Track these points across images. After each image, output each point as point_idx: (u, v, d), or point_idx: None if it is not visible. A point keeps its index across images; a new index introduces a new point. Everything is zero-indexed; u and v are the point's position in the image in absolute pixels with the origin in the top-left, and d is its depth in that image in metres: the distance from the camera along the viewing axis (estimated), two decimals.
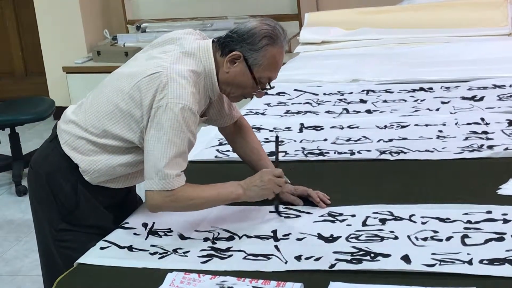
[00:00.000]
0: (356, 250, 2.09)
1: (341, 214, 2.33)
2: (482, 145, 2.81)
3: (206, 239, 2.24)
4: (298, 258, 2.08)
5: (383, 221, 2.27)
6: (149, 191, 2.20)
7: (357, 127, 3.14)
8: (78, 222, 2.38)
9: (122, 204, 2.48)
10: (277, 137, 2.42)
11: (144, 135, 2.24)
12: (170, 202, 2.21)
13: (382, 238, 2.16)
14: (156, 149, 2.19)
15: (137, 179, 2.42)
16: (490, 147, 2.79)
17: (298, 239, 2.20)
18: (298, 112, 3.41)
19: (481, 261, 1.98)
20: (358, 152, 2.85)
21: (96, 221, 2.39)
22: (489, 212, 2.27)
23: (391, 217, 2.29)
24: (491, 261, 1.98)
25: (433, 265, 1.98)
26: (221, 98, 2.45)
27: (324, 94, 3.65)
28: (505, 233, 2.13)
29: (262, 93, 2.35)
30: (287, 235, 2.23)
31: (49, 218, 2.41)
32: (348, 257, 2.06)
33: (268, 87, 2.34)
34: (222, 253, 2.15)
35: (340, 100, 3.54)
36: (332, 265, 2.03)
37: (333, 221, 2.30)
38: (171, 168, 2.18)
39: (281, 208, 2.39)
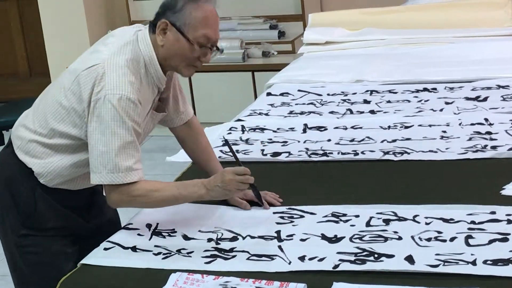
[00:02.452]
0: (360, 251, 2.09)
1: (344, 215, 2.33)
2: (485, 146, 2.81)
3: (209, 240, 2.24)
4: (302, 258, 2.08)
5: (386, 221, 2.26)
6: (107, 186, 2.18)
7: (360, 128, 3.14)
8: (39, 226, 2.34)
9: (89, 205, 2.45)
10: (226, 140, 2.43)
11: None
12: (127, 198, 2.19)
13: (386, 239, 2.16)
14: (101, 142, 2.16)
15: None
16: (493, 147, 2.79)
17: (302, 240, 2.20)
18: (301, 113, 3.41)
19: (485, 262, 1.98)
20: (362, 152, 2.85)
21: (56, 223, 2.35)
22: (493, 212, 2.26)
23: (395, 218, 2.28)
24: (495, 262, 1.98)
25: (436, 266, 1.98)
26: (176, 95, 2.44)
27: (328, 94, 3.65)
28: (509, 234, 2.12)
29: (207, 54, 2.27)
30: (291, 235, 2.23)
31: (12, 224, 2.37)
32: (352, 258, 2.06)
33: (210, 47, 2.27)
34: (225, 253, 2.15)
35: (344, 100, 3.54)
36: (336, 266, 2.02)
37: (336, 222, 2.30)
38: (122, 160, 2.15)
39: (284, 208, 2.40)
